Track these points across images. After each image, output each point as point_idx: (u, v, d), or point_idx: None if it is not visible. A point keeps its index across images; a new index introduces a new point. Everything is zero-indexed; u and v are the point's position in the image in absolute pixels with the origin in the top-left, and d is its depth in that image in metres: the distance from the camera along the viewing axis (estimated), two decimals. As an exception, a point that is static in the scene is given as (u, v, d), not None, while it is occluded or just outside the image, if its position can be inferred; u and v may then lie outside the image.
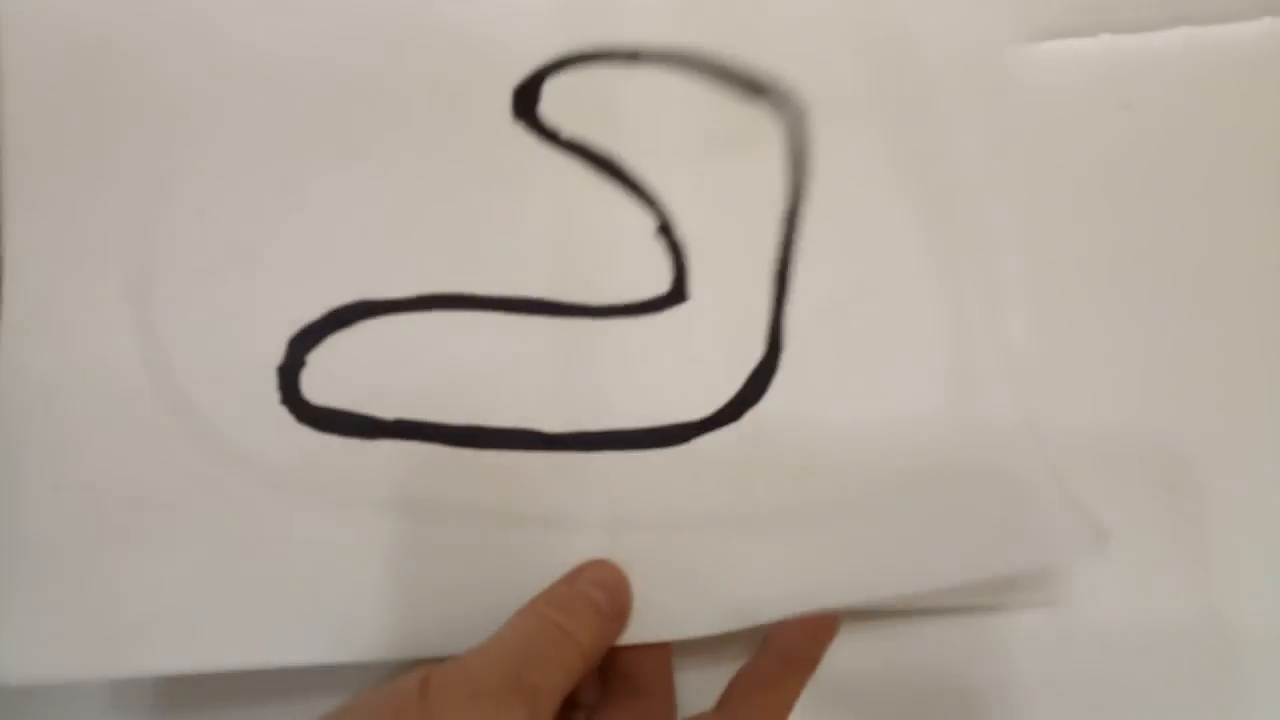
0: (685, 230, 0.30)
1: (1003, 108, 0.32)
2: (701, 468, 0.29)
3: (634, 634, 0.28)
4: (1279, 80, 0.36)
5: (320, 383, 0.27)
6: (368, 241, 0.28)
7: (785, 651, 0.28)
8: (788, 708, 0.28)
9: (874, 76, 0.31)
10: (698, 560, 0.29)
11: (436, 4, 0.29)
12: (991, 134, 0.32)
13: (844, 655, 0.30)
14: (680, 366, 0.30)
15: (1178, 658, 0.31)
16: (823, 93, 0.31)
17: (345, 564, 0.27)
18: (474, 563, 0.28)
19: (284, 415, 0.27)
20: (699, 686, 0.29)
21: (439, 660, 0.25)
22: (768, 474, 0.29)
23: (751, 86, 0.31)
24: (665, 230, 0.30)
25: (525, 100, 0.30)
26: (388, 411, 0.27)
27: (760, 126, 0.31)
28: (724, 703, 0.28)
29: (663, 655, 0.29)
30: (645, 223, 0.30)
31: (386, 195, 0.29)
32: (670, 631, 0.28)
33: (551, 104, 0.30)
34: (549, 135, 0.30)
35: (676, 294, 0.30)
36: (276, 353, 0.27)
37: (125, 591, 0.25)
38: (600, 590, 0.27)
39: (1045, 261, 0.36)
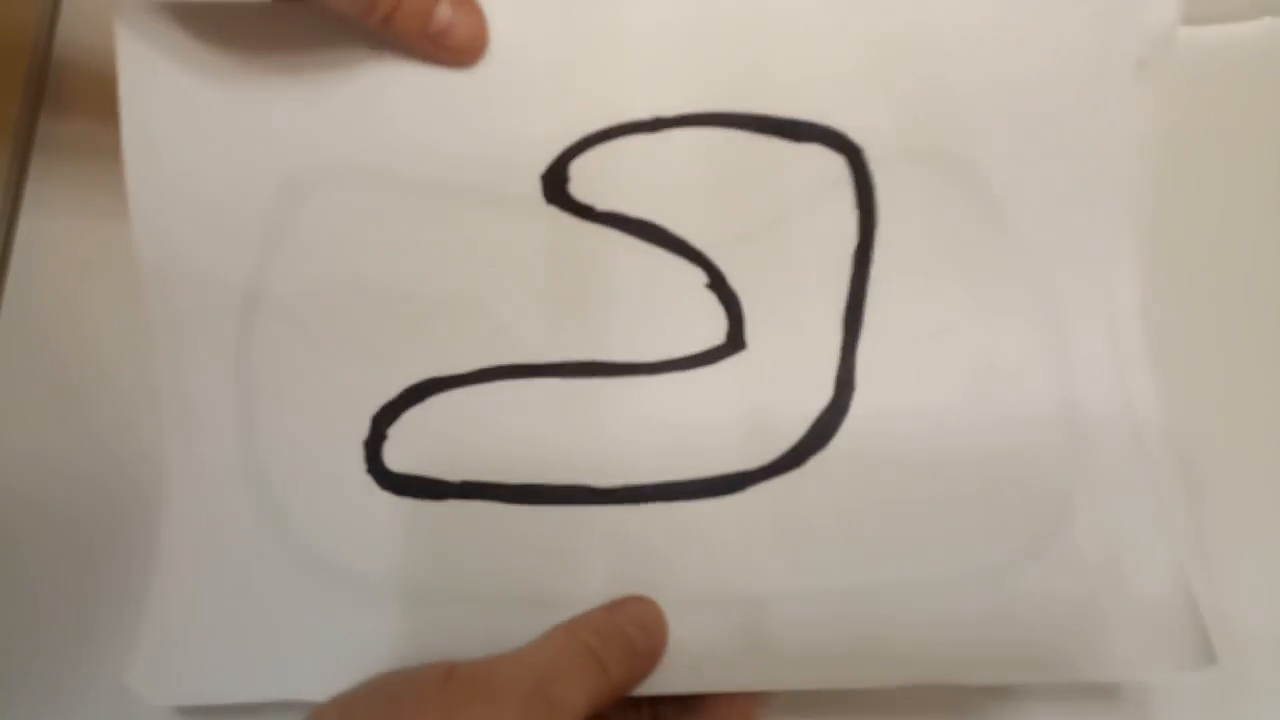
0: (738, 281, 0.31)
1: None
2: (756, 516, 0.30)
3: (683, 682, 0.28)
4: (1279, 80, 0.36)
5: (398, 453, 0.30)
6: (434, 326, 0.31)
7: None
8: None
9: (920, 124, 0.31)
10: (745, 611, 0.29)
11: (461, 116, 0.31)
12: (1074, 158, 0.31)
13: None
14: (737, 416, 0.30)
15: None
16: (871, 135, 0.30)
17: (413, 612, 0.29)
18: (524, 613, 0.29)
19: (369, 483, 0.30)
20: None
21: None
22: (826, 521, 0.29)
23: (797, 132, 0.30)
24: (717, 284, 0.31)
25: (553, 184, 0.31)
26: (456, 474, 0.30)
27: (815, 169, 0.30)
28: None
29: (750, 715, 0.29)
30: (694, 279, 0.31)
31: (445, 283, 0.31)
32: (711, 683, 0.29)
33: (581, 183, 0.31)
34: (584, 211, 0.31)
35: (733, 344, 0.31)
36: (361, 430, 0.30)
37: (240, 638, 0.30)
38: (637, 628, 0.28)
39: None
